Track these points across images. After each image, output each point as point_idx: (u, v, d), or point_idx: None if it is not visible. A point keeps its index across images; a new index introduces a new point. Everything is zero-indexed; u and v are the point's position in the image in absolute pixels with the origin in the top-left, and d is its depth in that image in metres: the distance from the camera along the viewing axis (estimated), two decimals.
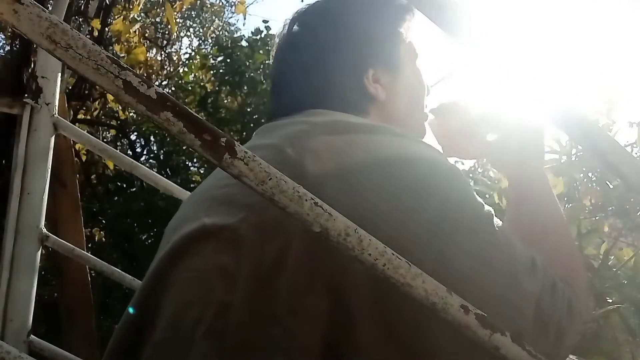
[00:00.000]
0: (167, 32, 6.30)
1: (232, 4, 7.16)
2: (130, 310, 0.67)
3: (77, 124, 4.08)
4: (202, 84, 5.94)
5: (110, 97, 4.63)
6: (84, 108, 4.71)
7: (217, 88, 5.72)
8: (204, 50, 6.88)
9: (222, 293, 0.58)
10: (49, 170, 1.40)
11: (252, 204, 0.61)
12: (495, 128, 0.82)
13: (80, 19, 3.66)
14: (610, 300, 1.76)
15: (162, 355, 0.60)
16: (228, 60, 5.49)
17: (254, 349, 0.56)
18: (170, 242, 0.66)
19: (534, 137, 0.79)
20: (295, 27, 0.81)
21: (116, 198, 5.48)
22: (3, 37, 5.12)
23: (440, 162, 0.63)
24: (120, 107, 5.26)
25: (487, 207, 0.63)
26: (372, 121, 0.74)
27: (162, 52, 6.39)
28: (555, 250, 0.69)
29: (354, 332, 0.56)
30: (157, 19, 6.23)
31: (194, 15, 7.60)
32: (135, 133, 6.07)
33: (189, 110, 0.38)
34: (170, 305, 0.62)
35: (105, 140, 5.77)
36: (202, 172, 5.61)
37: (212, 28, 7.65)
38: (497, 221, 0.63)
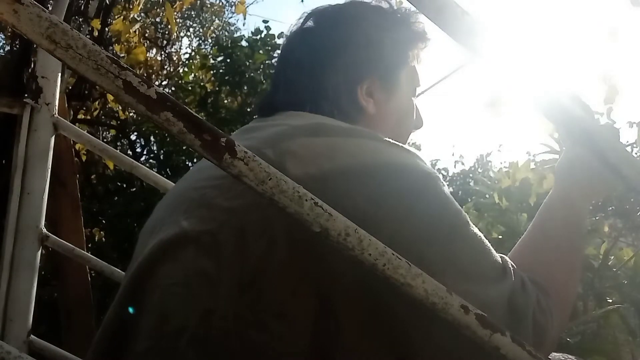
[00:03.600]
0: (167, 32, 6.30)
1: (232, 4, 7.17)
2: (108, 317, 0.66)
3: (77, 124, 4.08)
4: (202, 84, 5.94)
5: (110, 97, 4.63)
6: (84, 108, 4.71)
7: (217, 88, 5.71)
8: (204, 50, 6.87)
9: (204, 300, 0.57)
10: (49, 170, 1.39)
11: (232, 207, 0.60)
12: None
13: (80, 19, 3.66)
14: (610, 300, 1.76)
15: None
16: (228, 60, 5.49)
17: (240, 355, 0.55)
18: (148, 247, 0.65)
19: (601, 184, 0.77)
20: (309, 23, 0.81)
21: (116, 198, 5.48)
22: (3, 37, 5.12)
23: (422, 168, 0.63)
24: (120, 107, 5.26)
25: (464, 213, 0.63)
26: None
27: (162, 52, 6.39)
28: (558, 268, 0.70)
29: (343, 337, 0.55)
30: (157, 19, 6.23)
31: (194, 15, 7.60)
32: (135, 133, 6.07)
33: (189, 110, 0.38)
34: (152, 313, 0.61)
35: (105, 140, 5.76)
36: None
37: (212, 28, 7.65)
38: (473, 228, 0.63)
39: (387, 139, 0.66)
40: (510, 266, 0.65)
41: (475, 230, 0.63)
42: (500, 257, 0.65)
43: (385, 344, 0.57)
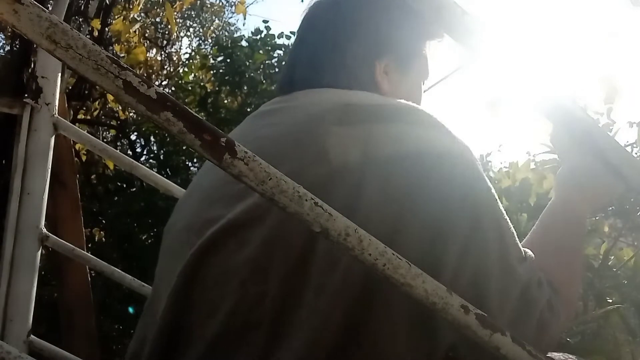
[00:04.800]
0: (167, 32, 6.30)
1: (232, 4, 7.17)
2: (162, 319, 0.66)
3: (77, 124, 4.08)
4: (202, 84, 5.93)
5: (110, 97, 4.64)
6: (84, 108, 4.71)
7: (217, 88, 5.71)
8: (204, 50, 6.87)
9: (255, 284, 0.59)
10: (49, 170, 1.39)
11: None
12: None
13: (80, 19, 3.66)
14: (610, 300, 1.76)
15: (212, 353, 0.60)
16: (228, 60, 5.49)
17: (284, 333, 0.57)
18: (196, 243, 0.66)
19: (605, 187, 0.77)
20: (322, 3, 0.83)
21: (116, 198, 5.48)
22: (3, 37, 5.13)
23: (464, 154, 0.65)
24: (120, 107, 5.26)
25: (492, 195, 0.65)
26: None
27: (162, 52, 6.39)
28: (562, 267, 0.71)
29: (373, 312, 0.57)
30: (157, 19, 6.23)
31: (194, 15, 7.59)
32: (135, 133, 6.07)
33: (189, 110, 0.38)
34: (205, 303, 0.62)
35: (105, 140, 5.77)
36: None
37: (212, 28, 7.65)
38: (500, 211, 0.65)
39: (416, 110, 0.67)
40: (531, 258, 0.67)
41: (503, 214, 0.65)
42: (523, 249, 0.67)
43: (410, 325, 0.59)
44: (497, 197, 0.65)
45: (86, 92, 4.18)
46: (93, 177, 5.60)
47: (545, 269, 0.69)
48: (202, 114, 5.35)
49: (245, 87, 5.44)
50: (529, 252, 0.68)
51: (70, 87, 3.95)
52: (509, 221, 0.66)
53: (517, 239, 0.66)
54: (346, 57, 0.77)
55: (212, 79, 5.80)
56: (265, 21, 7.01)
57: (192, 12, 7.45)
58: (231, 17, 7.81)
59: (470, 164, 0.64)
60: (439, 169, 0.62)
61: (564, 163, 0.82)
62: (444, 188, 0.61)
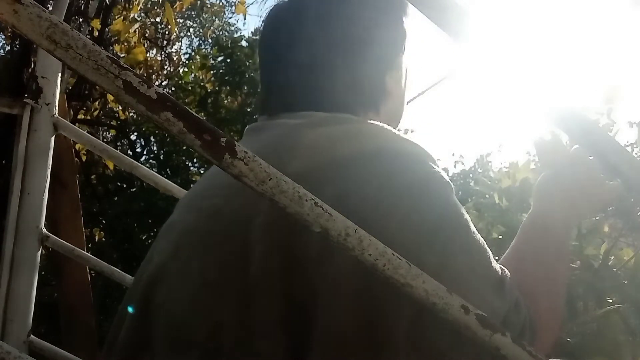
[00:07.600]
0: (167, 32, 6.30)
1: (232, 4, 7.17)
2: (129, 312, 0.66)
3: (77, 124, 4.08)
4: (202, 84, 5.94)
5: (110, 97, 4.64)
6: (84, 108, 4.72)
7: (217, 88, 5.72)
8: (204, 50, 6.88)
9: (213, 312, 0.58)
10: (49, 170, 1.40)
11: (236, 219, 0.60)
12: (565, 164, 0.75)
13: (80, 19, 3.67)
14: (610, 300, 1.76)
15: None
16: (228, 60, 5.50)
17: None
18: (159, 257, 0.66)
19: (589, 202, 0.74)
20: (302, 14, 0.73)
21: (116, 198, 5.49)
22: (3, 37, 5.13)
23: (436, 179, 0.61)
24: (120, 107, 5.27)
25: (465, 218, 0.60)
26: (378, 120, 0.69)
27: (162, 52, 6.39)
28: (540, 280, 0.67)
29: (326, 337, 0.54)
30: (157, 19, 6.23)
31: (194, 15, 7.60)
32: (135, 133, 6.08)
33: (189, 110, 0.38)
34: (163, 326, 0.61)
35: (105, 140, 5.77)
36: (202, 172, 5.62)
37: (212, 28, 7.66)
38: (474, 231, 0.60)
39: (395, 133, 0.64)
40: (508, 282, 0.61)
41: (477, 236, 0.60)
42: (500, 268, 0.62)
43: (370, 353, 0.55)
44: (469, 222, 0.60)
45: (86, 92, 4.19)
46: (93, 177, 5.61)
47: (522, 284, 0.64)
48: (202, 114, 5.36)
49: (245, 87, 5.45)
50: (506, 270, 0.62)
51: (70, 87, 3.96)
52: (481, 244, 0.60)
53: (491, 260, 0.60)
54: (339, 87, 0.70)
55: (212, 79, 5.81)
56: None
57: (192, 12, 7.46)
58: (231, 17, 7.83)
59: (440, 193, 0.60)
60: (408, 200, 0.57)
61: (546, 169, 0.77)
62: (414, 219, 0.57)
